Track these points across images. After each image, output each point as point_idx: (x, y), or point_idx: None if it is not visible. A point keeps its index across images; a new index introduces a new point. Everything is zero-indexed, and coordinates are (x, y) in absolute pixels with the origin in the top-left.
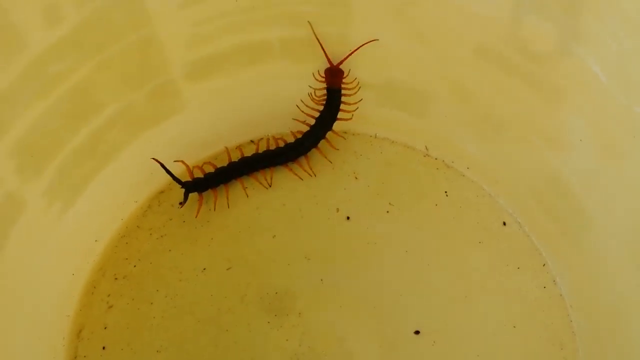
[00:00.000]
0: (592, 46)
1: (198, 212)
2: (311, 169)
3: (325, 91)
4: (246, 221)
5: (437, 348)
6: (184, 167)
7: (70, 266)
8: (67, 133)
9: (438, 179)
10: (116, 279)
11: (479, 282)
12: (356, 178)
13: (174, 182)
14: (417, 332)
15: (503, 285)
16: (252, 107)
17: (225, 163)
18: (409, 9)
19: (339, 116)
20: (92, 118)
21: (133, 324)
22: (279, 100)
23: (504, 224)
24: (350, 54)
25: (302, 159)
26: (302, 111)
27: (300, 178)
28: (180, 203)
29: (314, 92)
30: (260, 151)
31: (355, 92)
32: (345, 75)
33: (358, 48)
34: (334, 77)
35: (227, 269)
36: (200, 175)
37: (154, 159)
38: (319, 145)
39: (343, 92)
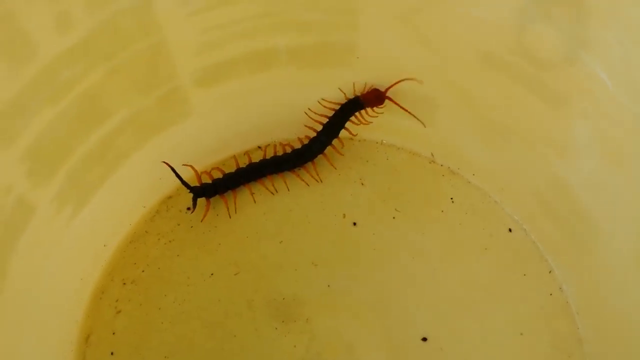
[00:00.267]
0: (598, 53)
1: (204, 217)
2: (318, 175)
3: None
4: (253, 226)
5: (444, 355)
6: (192, 172)
7: (79, 271)
8: (76, 139)
9: (444, 186)
10: (124, 284)
11: (486, 289)
12: (362, 184)
13: (182, 188)
14: (424, 339)
15: (509, 292)
16: (259, 114)
17: (233, 169)
18: (415, 16)
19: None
20: (101, 124)
21: (141, 329)
22: (286, 106)
23: (510, 230)
24: (395, 83)
25: (309, 165)
26: (312, 118)
27: (306, 184)
28: (189, 208)
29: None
30: (267, 157)
31: (369, 122)
32: (382, 105)
33: (402, 80)
34: (374, 98)
35: (235, 274)
36: (209, 181)
37: (164, 162)
38: (325, 151)
39: (362, 111)
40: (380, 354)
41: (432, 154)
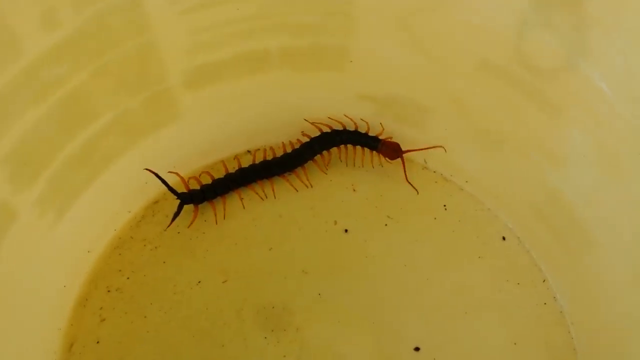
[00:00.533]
0: (597, 61)
1: (191, 223)
2: (308, 180)
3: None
4: (242, 233)
5: None
6: (178, 177)
7: (62, 278)
8: (60, 141)
9: (436, 193)
10: (109, 291)
11: (479, 298)
12: (354, 190)
13: (169, 192)
14: (417, 349)
15: (503, 301)
16: (250, 117)
17: (222, 173)
18: (411, 20)
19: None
20: (86, 126)
21: (126, 339)
22: (278, 109)
23: (504, 238)
24: (417, 150)
25: (299, 170)
26: (316, 123)
27: (295, 189)
28: (175, 214)
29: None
30: (257, 162)
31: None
32: (391, 160)
33: (425, 149)
34: (390, 150)
35: (223, 282)
36: (197, 186)
37: (147, 169)
38: (316, 157)
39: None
40: None
41: (424, 161)
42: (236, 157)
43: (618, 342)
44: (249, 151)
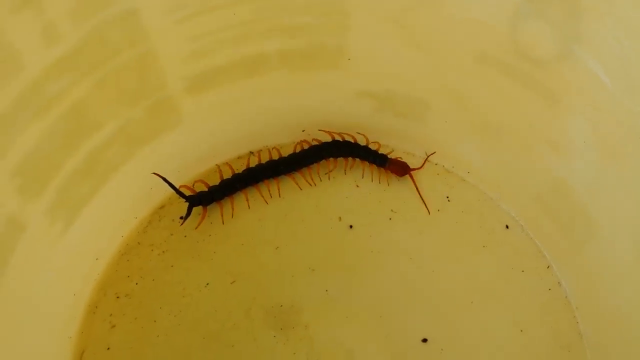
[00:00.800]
0: (593, 48)
1: (199, 225)
2: (312, 179)
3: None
4: (248, 234)
5: (445, 355)
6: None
7: (71, 286)
8: (66, 152)
9: (439, 185)
10: (118, 297)
11: (485, 287)
12: (357, 186)
13: (175, 197)
14: (424, 340)
15: (508, 288)
16: (251, 119)
17: (220, 177)
18: (407, 17)
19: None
20: (90, 136)
21: (137, 344)
22: (278, 111)
23: (507, 227)
24: (421, 168)
25: (305, 170)
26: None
27: (300, 188)
28: (182, 217)
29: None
30: (263, 162)
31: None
32: (399, 177)
33: (424, 162)
34: (398, 168)
35: (231, 283)
36: (204, 188)
37: (155, 173)
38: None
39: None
40: (380, 358)
41: (425, 154)
42: (240, 159)
43: (623, 326)
44: (251, 152)
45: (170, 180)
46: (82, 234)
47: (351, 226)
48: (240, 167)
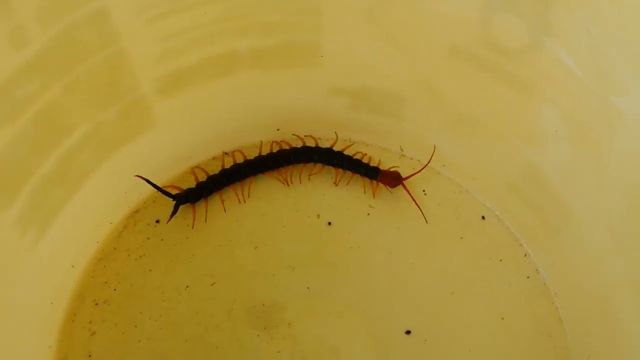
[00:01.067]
0: (563, 38)
1: (194, 223)
2: (291, 179)
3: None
4: (226, 234)
5: (429, 346)
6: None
7: (48, 295)
8: (37, 158)
9: (415, 179)
10: (97, 304)
11: (464, 277)
12: (335, 183)
13: (149, 201)
14: (408, 332)
15: (487, 278)
16: (225, 119)
17: (196, 180)
18: (379, 13)
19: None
20: (62, 140)
21: (118, 350)
22: (252, 110)
23: (483, 218)
24: (414, 174)
25: (288, 167)
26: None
27: (284, 183)
28: (172, 214)
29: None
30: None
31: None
32: (392, 187)
33: (419, 171)
34: (391, 179)
35: (211, 285)
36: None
37: (138, 176)
38: None
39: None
40: (365, 352)
41: (401, 148)
42: (215, 159)
43: (601, 309)
44: (225, 153)
45: (145, 184)
46: (57, 242)
47: (330, 223)
48: (215, 169)
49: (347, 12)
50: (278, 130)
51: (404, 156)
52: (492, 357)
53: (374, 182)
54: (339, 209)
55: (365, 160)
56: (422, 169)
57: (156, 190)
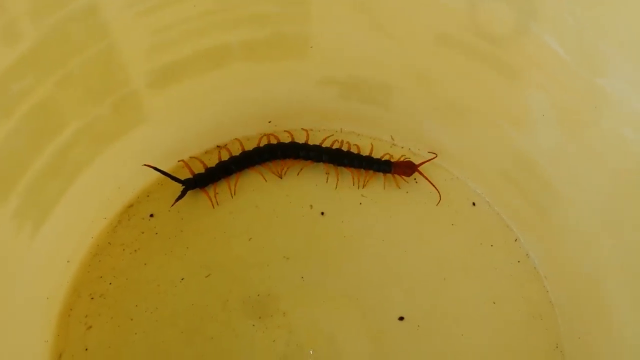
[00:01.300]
0: (548, 23)
1: (214, 203)
2: (282, 170)
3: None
4: (221, 227)
5: (422, 331)
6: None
7: (44, 290)
8: (31, 153)
9: None
10: (92, 298)
11: (456, 263)
12: (327, 173)
13: (142, 195)
14: (401, 318)
15: (479, 263)
16: (217, 112)
17: (190, 170)
18: (367, 3)
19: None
20: (56, 135)
21: (115, 343)
22: (244, 102)
23: (474, 204)
24: (427, 161)
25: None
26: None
27: (278, 176)
28: (178, 198)
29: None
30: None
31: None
32: (409, 176)
33: (429, 160)
34: (405, 168)
35: (206, 277)
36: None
37: (146, 164)
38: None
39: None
40: (360, 338)
41: (392, 137)
42: (208, 152)
43: (591, 291)
44: (219, 146)
45: (138, 178)
46: (52, 237)
47: (323, 213)
48: (208, 162)
49: (335, 2)
50: (270, 122)
51: (395, 145)
52: (484, 340)
53: (377, 174)
54: (332, 199)
55: (354, 151)
56: (434, 157)
57: (150, 184)
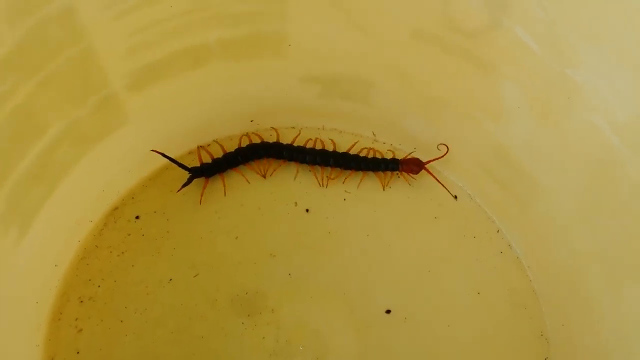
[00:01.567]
0: (519, 16)
1: (202, 196)
2: (266, 171)
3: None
4: (206, 226)
5: (408, 323)
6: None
7: (33, 295)
8: (13, 157)
9: None
10: (82, 301)
11: (440, 256)
12: (310, 170)
13: (127, 197)
14: (388, 312)
15: (462, 255)
16: (197, 112)
17: (199, 159)
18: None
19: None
20: (37, 139)
21: (106, 345)
22: (224, 102)
23: (456, 197)
24: (436, 159)
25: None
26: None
27: (262, 176)
28: (184, 185)
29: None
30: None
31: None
32: (416, 174)
33: (442, 157)
34: (412, 166)
35: (194, 277)
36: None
37: (154, 150)
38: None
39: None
40: (347, 332)
41: (373, 133)
42: (191, 153)
43: (573, 279)
44: (201, 147)
45: (122, 181)
46: (38, 241)
47: (307, 210)
48: (190, 163)
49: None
50: (252, 121)
51: (376, 141)
52: (470, 331)
53: (386, 173)
54: (316, 196)
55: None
56: (444, 154)
57: (134, 185)
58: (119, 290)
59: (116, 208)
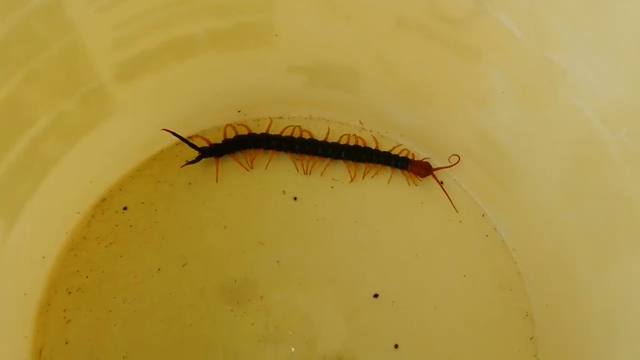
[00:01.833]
0: (504, 2)
1: (217, 175)
2: (252, 162)
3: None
4: (195, 216)
5: (396, 307)
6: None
7: (21, 286)
8: (0, 150)
9: None
10: (70, 292)
11: (426, 240)
12: (297, 159)
13: (115, 189)
14: (376, 296)
15: (448, 239)
16: (185, 104)
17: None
18: None
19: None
20: (24, 132)
21: (94, 335)
22: (211, 93)
23: (442, 183)
24: (445, 167)
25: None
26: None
27: (246, 168)
28: (190, 162)
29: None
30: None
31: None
32: (423, 177)
33: (453, 165)
34: (421, 168)
35: (183, 266)
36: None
37: (165, 129)
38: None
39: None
40: (336, 317)
41: (360, 122)
42: (179, 144)
43: (556, 261)
44: (189, 138)
45: (110, 172)
46: (26, 234)
47: (295, 198)
48: (180, 154)
49: None
50: (239, 112)
51: (363, 129)
52: (457, 313)
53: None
54: (304, 184)
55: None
56: (456, 163)
57: (121, 177)
58: (108, 280)
59: (104, 199)
